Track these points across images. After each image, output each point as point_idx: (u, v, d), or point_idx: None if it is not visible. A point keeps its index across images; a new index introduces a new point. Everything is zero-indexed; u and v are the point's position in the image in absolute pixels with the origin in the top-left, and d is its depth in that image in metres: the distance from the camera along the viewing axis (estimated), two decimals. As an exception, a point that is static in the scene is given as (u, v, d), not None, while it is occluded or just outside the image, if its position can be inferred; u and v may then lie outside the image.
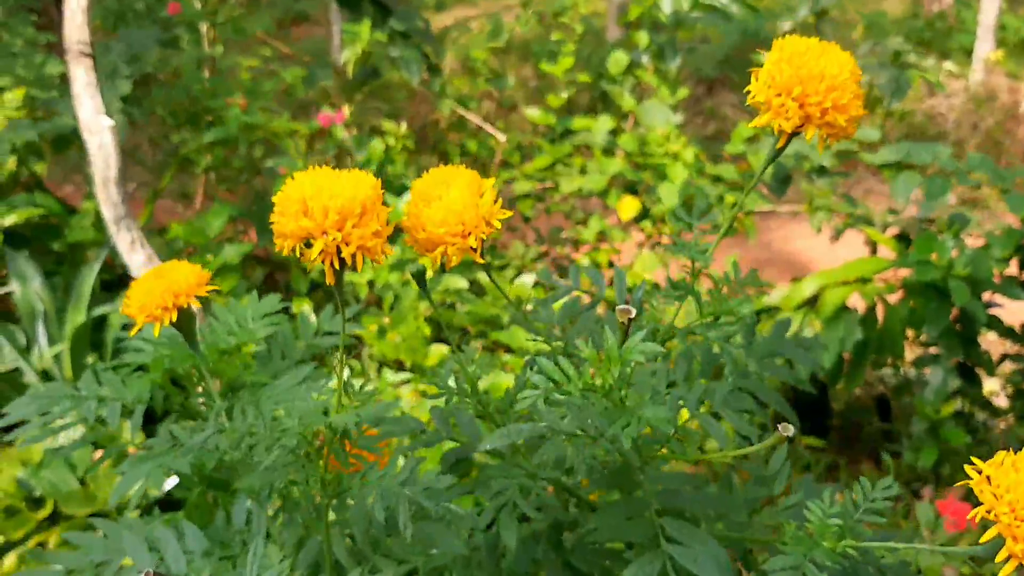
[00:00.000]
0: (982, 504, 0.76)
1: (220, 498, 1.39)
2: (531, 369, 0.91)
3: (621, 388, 0.90)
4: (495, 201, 1.00)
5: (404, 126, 3.65)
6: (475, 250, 0.99)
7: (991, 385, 3.43)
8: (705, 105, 9.49)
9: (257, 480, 1.08)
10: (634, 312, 0.94)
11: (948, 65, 8.80)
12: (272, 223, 0.90)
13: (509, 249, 3.75)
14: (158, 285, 1.05)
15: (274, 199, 0.90)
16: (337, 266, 0.91)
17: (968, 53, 8.73)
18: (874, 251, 3.52)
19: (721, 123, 9.36)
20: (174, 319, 1.06)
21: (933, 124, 8.51)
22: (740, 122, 8.57)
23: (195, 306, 1.06)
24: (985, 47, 8.34)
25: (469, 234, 0.99)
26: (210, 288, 1.06)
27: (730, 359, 1.21)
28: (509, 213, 0.99)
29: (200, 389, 1.20)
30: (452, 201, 0.99)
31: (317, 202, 0.89)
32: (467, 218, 0.98)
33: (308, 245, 0.90)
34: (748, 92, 1.04)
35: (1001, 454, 0.77)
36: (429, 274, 1.08)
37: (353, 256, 0.89)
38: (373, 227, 0.91)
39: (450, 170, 1.06)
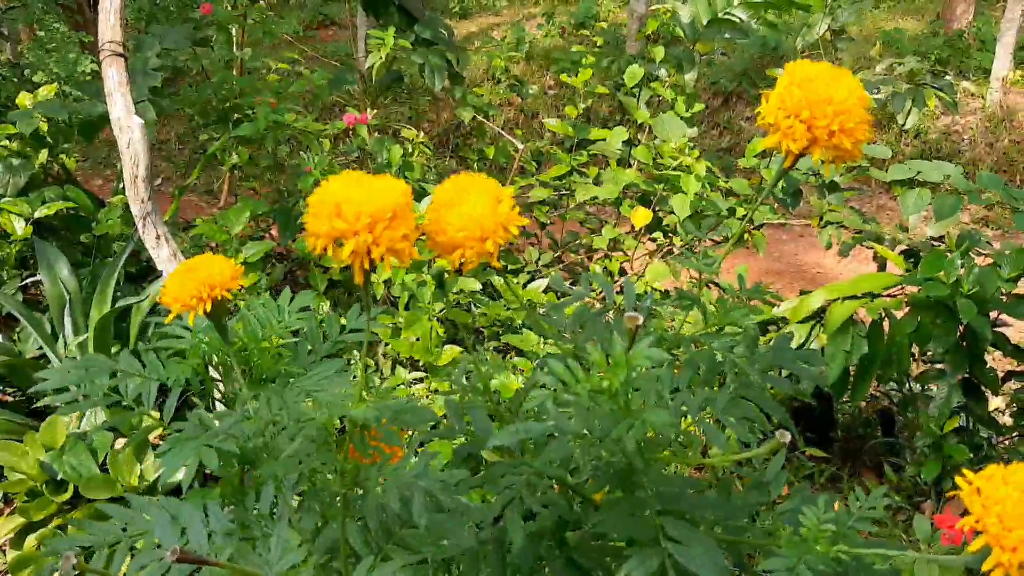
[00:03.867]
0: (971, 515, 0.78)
1: (255, 481, 1.46)
2: (541, 370, 0.96)
3: (627, 392, 0.95)
4: (512, 208, 1.05)
5: (422, 134, 3.71)
6: (492, 254, 1.03)
7: (996, 403, 3.46)
8: (721, 118, 9.55)
9: (279, 468, 1.14)
10: (641, 319, 0.98)
11: (966, 84, 8.82)
12: (305, 223, 0.95)
13: (524, 254, 3.81)
14: (193, 277, 1.11)
15: (308, 200, 0.95)
16: (367, 266, 0.95)
17: (987, 72, 8.74)
18: (883, 267, 3.55)
19: (736, 136, 9.41)
20: (208, 309, 1.12)
21: (948, 142, 8.54)
22: (755, 136, 8.62)
23: (227, 298, 1.12)
24: (1003, 67, 8.36)
25: (487, 239, 1.03)
26: (241, 283, 1.12)
27: (731, 368, 1.26)
28: (526, 221, 1.04)
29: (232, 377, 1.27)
30: (472, 207, 1.04)
31: (350, 205, 0.94)
32: (485, 224, 1.02)
33: (339, 245, 0.94)
34: (759, 112, 1.10)
35: (992, 467, 0.80)
36: (448, 276, 1.12)
37: (382, 257, 0.94)
38: (402, 231, 0.95)
39: (471, 177, 1.10)
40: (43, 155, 3.63)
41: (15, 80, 4.67)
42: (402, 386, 2.86)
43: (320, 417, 1.06)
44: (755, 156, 3.19)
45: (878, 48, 9.76)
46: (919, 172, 3.12)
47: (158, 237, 2.31)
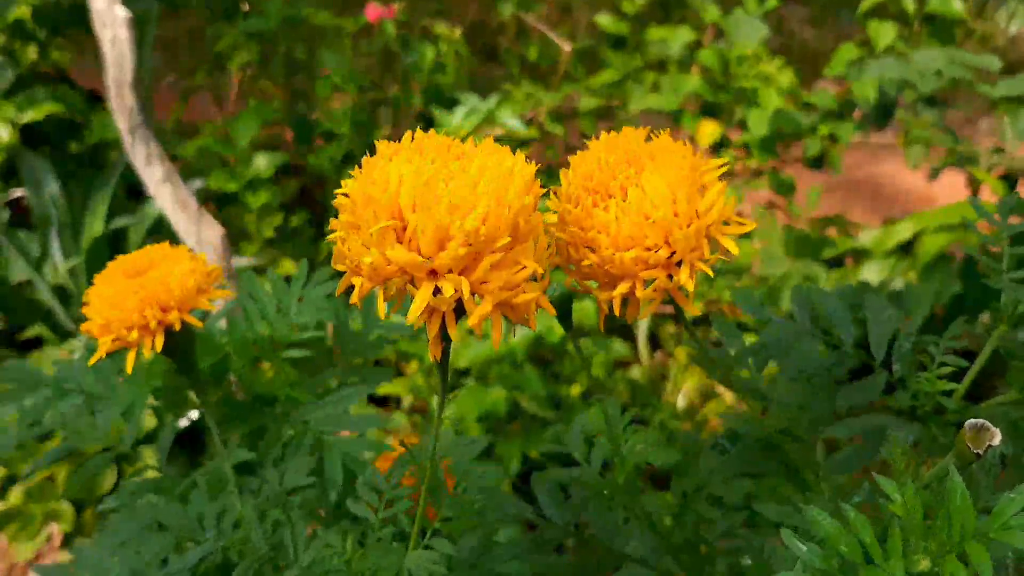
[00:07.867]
0: None
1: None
2: (792, 536, 0.54)
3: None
4: (725, 198, 0.60)
5: (458, 30, 3.28)
6: (687, 292, 0.59)
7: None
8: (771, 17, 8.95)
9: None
10: (998, 437, 0.56)
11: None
12: (331, 237, 0.52)
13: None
14: (136, 288, 0.67)
15: (339, 198, 0.51)
16: (453, 332, 0.52)
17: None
18: (975, 193, 3.16)
19: (786, 39, 8.81)
20: (159, 345, 0.68)
21: (1014, 48, 7.97)
22: (802, 36, 8.05)
23: (194, 324, 0.72)
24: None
25: (678, 260, 0.59)
26: (219, 294, 0.72)
27: None
28: (752, 224, 0.61)
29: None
30: (650, 199, 0.59)
31: (428, 216, 0.49)
32: (676, 231, 0.58)
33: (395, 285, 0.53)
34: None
35: None
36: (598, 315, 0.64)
37: (486, 318, 0.53)
38: (526, 264, 0.52)
39: (635, 136, 0.64)
40: (32, 51, 3.24)
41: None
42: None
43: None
44: (844, 65, 2.76)
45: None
46: (1034, 86, 2.70)
47: (148, 156, 1.95)
